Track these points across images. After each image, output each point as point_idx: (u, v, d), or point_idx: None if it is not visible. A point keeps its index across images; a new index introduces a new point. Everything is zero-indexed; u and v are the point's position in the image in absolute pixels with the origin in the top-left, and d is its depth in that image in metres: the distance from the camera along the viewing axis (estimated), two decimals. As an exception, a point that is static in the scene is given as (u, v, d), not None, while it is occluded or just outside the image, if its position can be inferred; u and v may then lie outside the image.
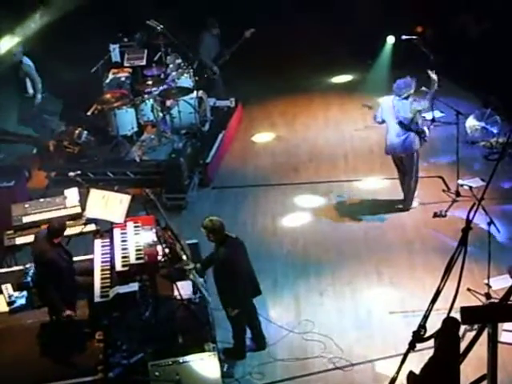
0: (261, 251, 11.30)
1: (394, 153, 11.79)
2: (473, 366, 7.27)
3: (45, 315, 8.89)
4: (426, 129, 11.72)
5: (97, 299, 8.70)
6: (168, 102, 13.69)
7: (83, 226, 9.88)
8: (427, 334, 5.86)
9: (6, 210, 10.38)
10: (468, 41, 16.20)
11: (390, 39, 16.44)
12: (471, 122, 13.56)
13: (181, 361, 7.93)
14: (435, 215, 11.69)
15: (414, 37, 15.27)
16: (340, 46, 17.44)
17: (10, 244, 9.85)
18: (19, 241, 9.82)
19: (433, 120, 14.24)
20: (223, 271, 8.85)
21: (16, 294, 9.35)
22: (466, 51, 15.79)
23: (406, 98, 11.55)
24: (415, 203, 11.96)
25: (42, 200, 10.37)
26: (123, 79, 14.64)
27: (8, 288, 9.40)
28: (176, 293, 8.98)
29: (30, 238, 9.65)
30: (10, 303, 9.25)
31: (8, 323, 9.03)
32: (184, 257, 9.14)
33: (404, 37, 15.33)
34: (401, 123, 11.51)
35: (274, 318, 9.95)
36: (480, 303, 9.43)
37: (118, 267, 8.88)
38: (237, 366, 9.26)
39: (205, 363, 7.95)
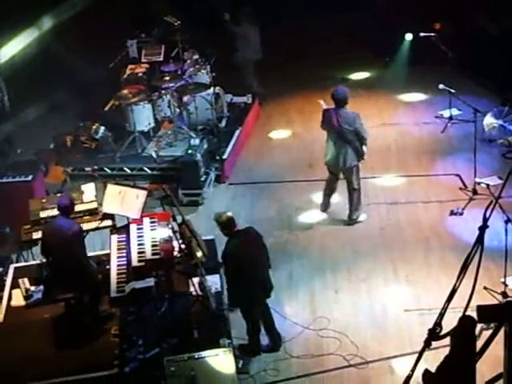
0: (276, 248, 11.31)
1: (332, 165, 11.57)
2: (489, 364, 7.22)
3: (61, 309, 8.92)
4: (364, 148, 11.40)
5: (113, 294, 8.71)
6: (185, 98, 13.72)
7: (100, 221, 9.90)
8: (443, 332, 5.84)
9: (23, 204, 10.43)
10: (487, 38, 16.12)
11: (408, 36, 16.40)
12: (489, 120, 13.50)
13: (196, 356, 7.93)
14: (452, 213, 11.65)
15: (432, 34, 15.25)
16: (358, 43, 17.42)
17: (27, 238, 9.89)
18: (36, 235, 9.85)
19: (450, 118, 14.22)
20: (226, 265, 8.85)
21: (33, 288, 9.39)
22: (485, 49, 15.72)
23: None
24: (362, 217, 11.78)
25: (59, 195, 10.40)
26: (140, 75, 14.68)
27: (25, 282, 9.44)
28: (192, 288, 8.99)
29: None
30: (26, 297, 9.29)
31: (25, 317, 9.06)
32: (200, 253, 9.16)
33: (422, 34, 15.30)
34: (341, 134, 11.28)
35: (289, 314, 9.95)
36: (496, 302, 9.39)
37: (135, 262, 8.89)
38: (252, 363, 9.27)
39: (220, 359, 7.95)
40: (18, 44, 14.07)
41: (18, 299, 9.32)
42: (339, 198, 12.19)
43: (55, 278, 8.97)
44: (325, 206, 11.96)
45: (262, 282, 9.11)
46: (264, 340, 9.43)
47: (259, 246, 9.11)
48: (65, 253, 8.75)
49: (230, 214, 8.99)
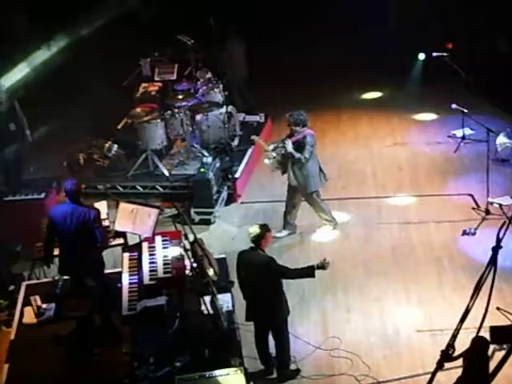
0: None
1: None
2: (502, 385, 7.19)
3: (73, 327, 8.92)
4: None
5: (124, 312, 8.71)
6: (198, 117, 13.76)
7: (112, 239, 9.91)
8: (456, 354, 5.81)
9: (36, 222, 10.45)
10: (499, 57, 16.11)
11: (421, 56, 16.42)
12: (502, 140, 13.47)
13: (207, 375, 7.91)
14: (464, 233, 11.62)
15: (444, 53, 15.26)
16: (371, 63, 17.44)
17: (39, 256, 9.90)
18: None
19: (463, 137, 14.21)
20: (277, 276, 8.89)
21: (44, 305, 9.39)
22: (497, 68, 15.71)
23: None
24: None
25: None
26: (153, 93, 14.74)
27: (37, 299, 9.44)
28: (203, 307, 8.98)
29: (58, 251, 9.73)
30: (38, 315, 9.29)
31: (36, 335, 9.06)
32: (211, 271, 9.16)
33: (435, 54, 15.32)
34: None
35: (301, 334, 9.92)
36: (510, 323, 9.34)
37: (146, 281, 8.89)
38: (263, 382, 9.24)
39: (231, 378, 7.93)
40: (29, 64, 14.12)
41: (29, 316, 9.31)
42: (350, 217, 12.19)
43: (66, 263, 9.12)
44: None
45: None
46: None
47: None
48: (81, 238, 8.90)
49: (255, 227, 8.95)
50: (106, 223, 10.13)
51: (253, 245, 8.86)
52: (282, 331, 9.12)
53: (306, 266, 8.94)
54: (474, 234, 11.56)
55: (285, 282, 9.52)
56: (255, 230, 8.83)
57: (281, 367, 9.26)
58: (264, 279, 8.83)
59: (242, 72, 15.57)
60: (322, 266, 8.81)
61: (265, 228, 8.89)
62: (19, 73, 13.75)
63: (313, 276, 8.87)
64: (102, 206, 10.41)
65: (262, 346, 9.29)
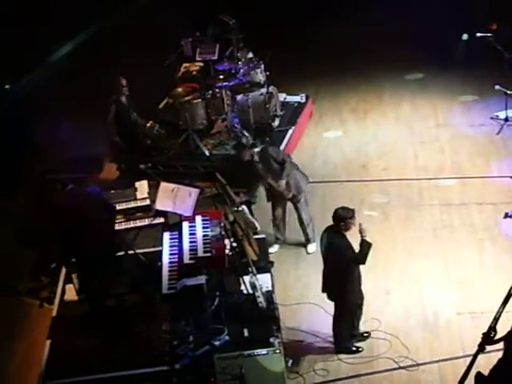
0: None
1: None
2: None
3: (113, 304, 9.01)
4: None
5: (164, 291, 8.78)
6: (239, 97, 13.75)
7: (152, 218, 9.97)
8: (497, 337, 5.77)
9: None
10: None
11: (464, 36, 16.22)
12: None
13: (246, 354, 7.96)
14: (506, 215, 11.48)
15: (488, 34, 15.05)
16: (414, 43, 17.26)
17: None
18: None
19: (506, 119, 14.04)
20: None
21: (85, 283, 9.49)
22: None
23: None
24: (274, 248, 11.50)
25: (112, 191, 10.49)
26: (195, 73, 14.74)
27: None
28: (242, 287, 9.01)
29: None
30: (79, 292, 9.39)
31: (77, 312, 9.16)
32: (251, 252, 9.18)
33: (478, 34, 15.12)
34: None
35: (340, 315, 9.91)
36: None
37: (186, 260, 8.94)
38: (301, 362, 9.26)
39: (269, 358, 7.97)
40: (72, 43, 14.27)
41: (71, 294, 9.42)
42: (390, 198, 12.14)
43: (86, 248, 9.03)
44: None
45: None
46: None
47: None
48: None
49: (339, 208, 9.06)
50: (147, 202, 10.20)
51: (333, 223, 8.99)
52: (344, 315, 9.22)
53: (360, 245, 8.93)
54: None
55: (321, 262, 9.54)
56: (340, 211, 8.94)
57: (335, 342, 9.45)
58: (334, 261, 8.98)
59: None
60: (361, 232, 8.93)
61: (349, 213, 8.96)
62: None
63: (371, 245, 8.92)
64: (142, 185, 10.48)
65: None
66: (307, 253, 11.32)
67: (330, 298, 9.29)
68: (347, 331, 9.35)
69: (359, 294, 9.18)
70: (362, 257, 8.91)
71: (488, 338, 5.59)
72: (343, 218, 8.89)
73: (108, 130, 13.08)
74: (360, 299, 9.22)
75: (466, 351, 8.98)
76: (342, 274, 8.96)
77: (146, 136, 13.48)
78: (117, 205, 10.12)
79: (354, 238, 9.03)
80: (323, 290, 9.31)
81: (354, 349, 9.39)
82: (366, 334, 9.54)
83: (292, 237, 11.51)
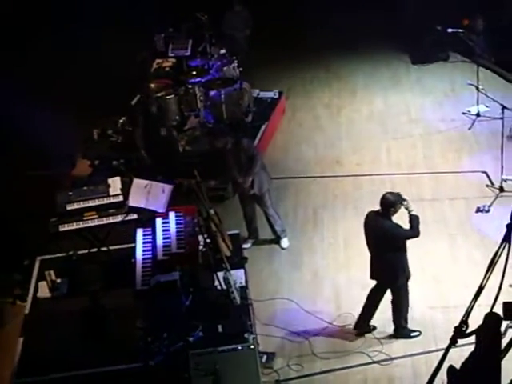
0: (301, 243, 11.32)
1: None
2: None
3: (87, 302, 8.97)
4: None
5: (138, 287, 8.76)
6: (211, 93, 13.73)
7: (125, 215, 9.94)
8: (469, 330, 5.81)
9: (51, 197, 10.48)
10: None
11: (438, 31, 16.30)
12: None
13: (220, 350, 7.96)
14: (478, 210, 11.59)
15: (460, 30, 15.15)
16: (386, 39, 17.33)
17: (54, 231, 9.95)
18: (62, 228, 9.91)
19: (478, 114, 14.11)
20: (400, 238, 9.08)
21: (59, 280, 9.44)
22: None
23: None
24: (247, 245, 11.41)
25: (85, 188, 10.44)
26: (167, 69, 14.70)
27: (51, 274, 9.49)
28: (216, 283, 9.01)
29: (73, 226, 9.79)
30: (52, 289, 9.35)
31: (50, 309, 9.11)
32: (225, 247, 9.17)
33: (450, 29, 15.20)
34: None
35: (314, 310, 9.95)
36: (523, 300, 9.34)
37: (160, 256, 8.93)
38: (276, 357, 9.28)
39: (244, 353, 7.98)
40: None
41: (44, 291, 9.37)
42: (364, 194, 12.18)
43: None
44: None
45: None
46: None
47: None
48: None
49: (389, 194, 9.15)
50: (119, 199, 10.16)
51: (380, 210, 9.06)
52: (401, 293, 9.32)
53: (410, 220, 9.09)
54: (487, 211, 11.53)
55: (298, 258, 9.56)
56: (389, 196, 9.02)
57: (396, 328, 9.51)
58: (388, 244, 9.05)
59: None
60: (407, 208, 9.09)
61: (398, 197, 9.06)
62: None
63: (419, 217, 9.10)
64: (115, 181, 10.43)
65: (373, 305, 9.52)
66: (282, 248, 11.34)
67: (381, 282, 9.38)
68: (405, 314, 9.48)
69: (408, 270, 9.29)
70: (416, 230, 9.06)
71: (460, 332, 5.62)
72: (394, 202, 9.00)
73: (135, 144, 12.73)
74: (409, 275, 9.32)
75: (439, 345, 9.05)
76: (398, 254, 9.10)
77: (119, 132, 13.42)
78: (90, 201, 10.09)
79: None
80: (372, 277, 9.41)
81: (416, 334, 9.52)
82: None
83: (266, 232, 11.51)
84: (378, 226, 9.08)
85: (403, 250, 9.14)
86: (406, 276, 9.27)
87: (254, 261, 10.80)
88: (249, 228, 11.49)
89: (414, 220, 9.03)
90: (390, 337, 9.49)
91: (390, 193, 9.12)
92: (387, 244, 9.06)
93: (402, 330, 9.49)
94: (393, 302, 9.44)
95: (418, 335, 9.46)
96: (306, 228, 11.72)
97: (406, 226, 9.08)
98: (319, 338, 9.56)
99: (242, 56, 15.12)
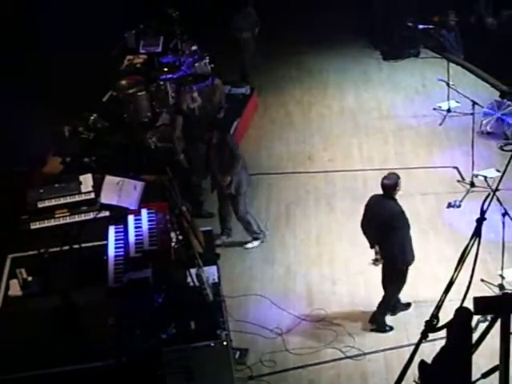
0: (274, 240, 11.33)
1: None
2: (485, 356, 7.24)
3: (58, 300, 8.92)
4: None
5: (111, 284, 8.73)
6: (183, 89, 13.69)
7: (97, 212, 9.89)
8: (440, 324, 5.84)
9: (22, 194, 10.41)
10: (486, 31, 16.14)
11: (409, 27, 16.41)
12: (487, 112, 13.50)
13: (193, 347, 7.95)
14: (449, 205, 11.67)
15: (430, 26, 15.25)
16: (357, 36, 17.40)
17: (25, 229, 9.88)
18: (34, 226, 9.84)
19: (448, 110, 14.21)
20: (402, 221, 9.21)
21: (30, 278, 9.38)
22: (484, 41, 15.75)
23: None
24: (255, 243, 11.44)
25: (56, 185, 10.38)
26: (139, 66, 14.65)
27: (22, 272, 9.43)
28: (189, 279, 8.99)
29: (44, 224, 9.72)
30: (23, 287, 9.28)
31: (22, 307, 9.05)
32: (197, 244, 9.16)
33: (421, 26, 15.30)
34: None
35: (286, 306, 9.97)
36: (493, 294, 9.42)
37: (132, 253, 8.90)
38: (249, 354, 9.29)
39: (217, 350, 7.97)
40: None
41: (15, 289, 9.31)
42: (336, 190, 12.21)
43: None
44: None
45: None
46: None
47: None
48: None
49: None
50: (91, 196, 10.11)
51: (383, 192, 9.21)
52: (398, 278, 9.38)
53: None
54: (458, 206, 11.62)
55: (271, 255, 9.57)
56: (386, 181, 9.20)
57: (375, 313, 9.59)
58: (391, 227, 9.15)
59: None
60: None
61: (394, 177, 9.23)
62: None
63: None
64: (87, 178, 10.37)
65: None
66: (244, 248, 11.34)
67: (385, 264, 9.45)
68: (392, 304, 9.57)
69: (412, 253, 9.32)
70: None
71: (430, 326, 5.64)
72: (394, 184, 9.17)
73: (172, 147, 12.32)
74: (412, 257, 9.34)
75: (411, 340, 9.11)
76: (402, 236, 9.20)
77: (90, 129, 13.35)
78: (61, 199, 10.03)
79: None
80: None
81: (388, 328, 9.57)
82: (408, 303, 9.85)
83: (239, 228, 11.51)
84: (384, 207, 9.21)
85: (407, 232, 9.25)
86: (407, 262, 9.30)
87: (227, 257, 10.80)
88: (222, 224, 11.47)
89: None
90: (363, 332, 9.53)
91: (386, 177, 9.26)
92: (393, 225, 9.16)
93: (379, 316, 9.53)
94: (385, 287, 9.50)
95: (390, 330, 9.51)
96: (279, 224, 11.74)
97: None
98: (292, 333, 9.57)
99: (249, 56, 15.19)
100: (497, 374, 5.70)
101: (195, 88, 13.48)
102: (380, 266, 9.52)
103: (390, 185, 9.15)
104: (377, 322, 9.54)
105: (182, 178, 11.85)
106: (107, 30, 15.23)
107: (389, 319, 9.64)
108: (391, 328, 9.53)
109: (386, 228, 9.19)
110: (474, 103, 12.07)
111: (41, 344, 8.44)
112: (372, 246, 9.58)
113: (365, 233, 9.58)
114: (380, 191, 9.28)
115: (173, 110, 13.34)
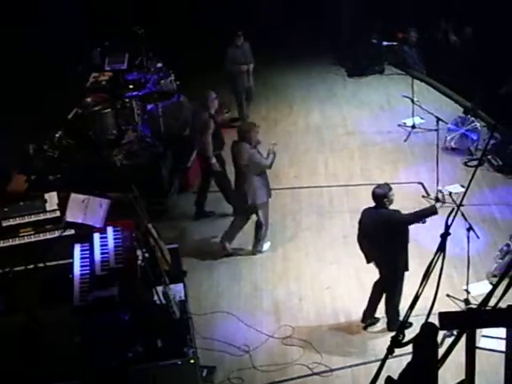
0: (241, 256, 11.33)
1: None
2: (451, 371, 7.30)
3: (23, 319, 8.84)
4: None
5: (76, 303, 8.66)
6: (149, 107, 13.69)
7: (62, 230, 9.83)
8: (405, 340, 5.86)
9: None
10: (449, 48, 16.33)
11: (374, 43, 16.55)
12: (451, 129, 13.62)
13: (160, 365, 7.91)
14: (415, 221, 11.72)
15: (394, 43, 15.39)
16: (322, 53, 17.52)
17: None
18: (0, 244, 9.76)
19: (413, 126, 14.32)
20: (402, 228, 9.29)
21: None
22: (448, 58, 15.93)
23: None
24: (266, 246, 11.57)
25: (21, 203, 10.31)
26: (104, 83, 14.62)
27: (-14, 292, 9.34)
28: (155, 297, 8.95)
29: (8, 242, 9.62)
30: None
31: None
32: (163, 262, 9.13)
33: (385, 43, 15.44)
34: None
35: (253, 323, 9.95)
36: (459, 309, 9.47)
37: (98, 272, 8.85)
38: (216, 371, 9.26)
39: (184, 368, 7.94)
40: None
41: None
42: (302, 206, 12.23)
43: None
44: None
45: None
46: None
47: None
48: None
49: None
50: (56, 214, 10.04)
51: (375, 203, 9.25)
52: (397, 285, 9.42)
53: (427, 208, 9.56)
54: (424, 221, 11.64)
55: (238, 272, 9.54)
56: (378, 190, 9.23)
57: (389, 321, 9.62)
58: (389, 232, 9.20)
59: None
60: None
61: (386, 188, 9.25)
62: None
63: (436, 213, 9.29)
64: (52, 196, 10.31)
65: (377, 298, 9.73)
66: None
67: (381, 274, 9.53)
68: (398, 307, 9.54)
69: (406, 263, 9.40)
70: (414, 215, 9.43)
71: (396, 342, 5.66)
72: (384, 194, 9.19)
73: (205, 152, 12.21)
74: (405, 267, 9.42)
75: (378, 355, 9.12)
76: (399, 243, 9.28)
77: (55, 147, 13.27)
78: (26, 217, 9.96)
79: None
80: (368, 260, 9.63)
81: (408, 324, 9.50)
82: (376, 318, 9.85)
83: (205, 247, 11.49)
84: (376, 217, 9.24)
85: (405, 237, 9.30)
86: (405, 267, 9.38)
87: (194, 274, 10.76)
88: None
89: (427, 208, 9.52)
90: (330, 348, 9.53)
91: (378, 187, 9.32)
92: (388, 232, 9.19)
93: (396, 323, 9.50)
94: (387, 295, 9.54)
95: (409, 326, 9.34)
96: (246, 240, 11.71)
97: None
98: (259, 350, 9.55)
99: (249, 92, 15.15)
100: (463, 388, 5.74)
101: (161, 105, 13.50)
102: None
103: (381, 194, 9.20)
104: (393, 324, 9.58)
105: (217, 181, 12.29)
106: (72, 47, 15.21)
107: (357, 333, 9.67)
108: (410, 324, 9.26)
109: (386, 236, 9.24)
110: (439, 119, 12.19)
111: (5, 364, 8.36)
112: (369, 261, 9.61)
113: (362, 248, 9.63)
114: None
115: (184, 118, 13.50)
